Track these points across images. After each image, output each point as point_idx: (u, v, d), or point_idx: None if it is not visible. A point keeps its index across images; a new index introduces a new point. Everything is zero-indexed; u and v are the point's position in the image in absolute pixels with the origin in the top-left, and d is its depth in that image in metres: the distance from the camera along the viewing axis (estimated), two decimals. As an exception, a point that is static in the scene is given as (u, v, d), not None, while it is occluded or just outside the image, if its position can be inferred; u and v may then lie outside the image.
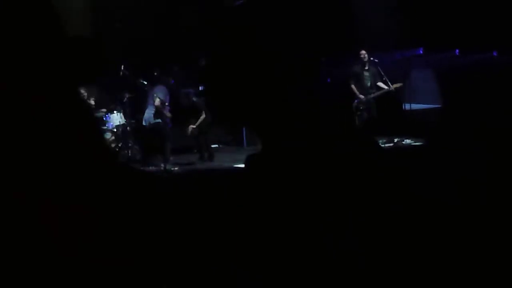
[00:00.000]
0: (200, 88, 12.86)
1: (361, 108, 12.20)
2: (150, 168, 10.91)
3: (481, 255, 4.83)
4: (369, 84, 12.27)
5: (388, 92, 12.19)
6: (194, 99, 11.67)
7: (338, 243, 4.21)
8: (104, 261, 3.61)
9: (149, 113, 11.56)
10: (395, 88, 12.12)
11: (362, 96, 12.19)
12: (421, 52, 14.37)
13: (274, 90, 3.24)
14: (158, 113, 11.34)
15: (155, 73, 12.40)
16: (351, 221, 4.52)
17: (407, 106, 13.47)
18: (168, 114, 11.31)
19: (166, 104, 11.39)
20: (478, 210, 5.65)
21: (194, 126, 11.30)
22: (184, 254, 4.32)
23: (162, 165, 10.81)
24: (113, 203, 3.72)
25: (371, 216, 4.55)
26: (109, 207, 3.71)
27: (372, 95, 12.21)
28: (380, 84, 12.25)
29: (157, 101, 11.28)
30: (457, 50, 14.28)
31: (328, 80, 13.29)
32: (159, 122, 11.36)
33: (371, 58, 12.42)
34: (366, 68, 12.25)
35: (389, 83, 12.12)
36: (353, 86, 12.25)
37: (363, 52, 12.18)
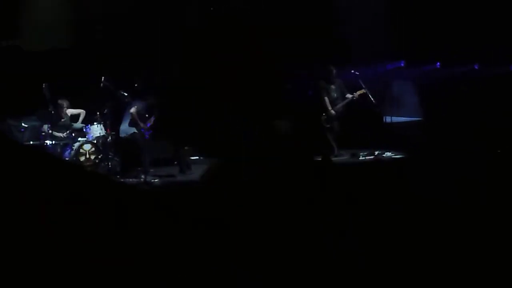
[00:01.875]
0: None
1: (331, 121, 12.25)
2: (130, 180, 10.87)
3: (463, 261, 4.83)
4: (335, 96, 12.34)
5: (352, 102, 12.28)
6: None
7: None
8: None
9: (124, 124, 11.53)
10: (360, 95, 12.21)
11: (332, 112, 12.25)
12: (402, 64, 14.43)
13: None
14: (133, 123, 11.30)
15: (136, 85, 12.36)
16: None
17: (387, 119, 13.50)
18: (142, 125, 11.25)
19: (147, 115, 11.34)
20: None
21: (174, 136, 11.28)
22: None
23: (142, 177, 10.76)
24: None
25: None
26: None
27: (339, 106, 12.26)
28: (348, 95, 12.34)
29: (133, 109, 11.24)
30: (438, 63, 14.36)
31: (310, 93, 13.30)
32: (134, 132, 11.32)
33: (352, 71, 12.52)
34: (332, 81, 12.35)
35: (363, 91, 12.21)
36: (326, 99, 12.29)
37: (331, 67, 12.34)
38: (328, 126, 12.24)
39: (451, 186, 7.25)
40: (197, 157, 12.46)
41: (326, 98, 12.29)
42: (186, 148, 11.66)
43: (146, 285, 4.40)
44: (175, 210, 5.33)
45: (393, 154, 11.86)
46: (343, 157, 11.92)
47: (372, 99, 12.18)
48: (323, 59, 12.95)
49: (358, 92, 12.17)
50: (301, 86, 13.53)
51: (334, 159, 11.41)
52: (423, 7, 13.82)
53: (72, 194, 4.23)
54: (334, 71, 12.33)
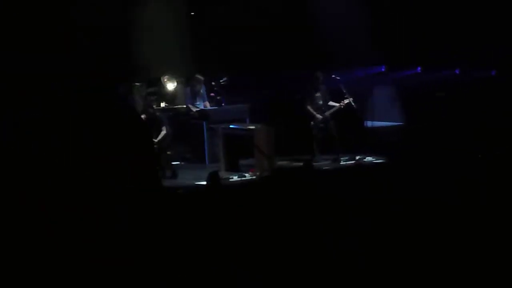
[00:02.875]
0: (163, 104, 12.76)
1: (319, 127, 12.25)
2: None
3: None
4: (321, 102, 12.36)
5: (348, 107, 12.29)
6: (158, 113, 11.57)
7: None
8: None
9: None
10: (346, 104, 12.23)
11: (319, 116, 12.24)
12: (383, 69, 14.46)
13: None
14: None
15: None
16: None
17: (369, 124, 13.52)
18: None
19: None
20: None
21: (156, 140, 11.10)
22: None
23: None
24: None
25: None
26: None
27: (327, 113, 12.25)
28: (331, 102, 12.36)
29: None
30: (419, 68, 14.40)
31: (298, 97, 13.29)
32: None
33: (333, 76, 12.54)
34: (318, 88, 12.37)
35: (349, 100, 12.25)
36: (308, 107, 12.29)
37: (318, 73, 12.36)
38: (315, 132, 12.25)
39: (432, 189, 7.28)
40: (178, 162, 12.37)
41: (309, 107, 12.30)
42: (168, 153, 11.56)
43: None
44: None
45: (374, 159, 11.87)
46: (325, 162, 11.92)
47: (354, 104, 12.21)
48: (304, 64, 12.96)
49: (346, 101, 12.19)
50: (286, 90, 13.51)
51: (315, 164, 11.42)
52: (404, 12, 13.86)
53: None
54: (321, 78, 12.35)
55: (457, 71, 14.13)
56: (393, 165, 10.77)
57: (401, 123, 13.96)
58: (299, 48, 13.57)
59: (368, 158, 11.96)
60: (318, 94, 12.39)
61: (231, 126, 11.83)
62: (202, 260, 5.03)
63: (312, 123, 12.25)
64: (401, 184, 7.56)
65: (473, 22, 13.25)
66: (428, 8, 13.72)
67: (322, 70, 12.63)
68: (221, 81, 12.87)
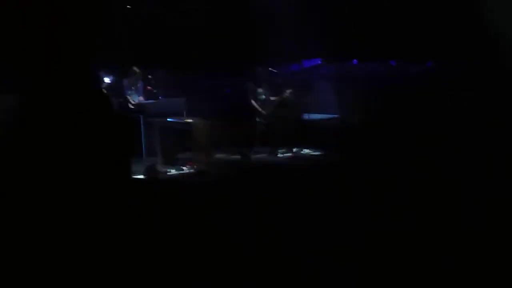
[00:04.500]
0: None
1: (267, 122, 12.34)
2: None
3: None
4: (264, 97, 12.45)
5: (284, 101, 12.39)
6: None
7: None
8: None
9: None
10: (287, 96, 12.35)
11: (263, 111, 12.32)
12: (319, 62, 14.55)
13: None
14: None
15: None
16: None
17: (306, 116, 13.62)
18: None
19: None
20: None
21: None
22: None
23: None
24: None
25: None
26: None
27: (272, 107, 12.34)
28: (271, 97, 12.48)
29: None
30: (355, 60, 14.53)
31: (228, 91, 13.31)
32: None
33: (270, 69, 12.62)
34: (260, 83, 12.46)
35: (285, 92, 12.38)
36: (253, 102, 12.36)
37: (261, 68, 12.46)
38: (264, 126, 12.33)
39: (368, 182, 7.39)
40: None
41: (253, 102, 12.37)
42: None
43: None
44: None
45: (311, 151, 11.97)
46: (262, 154, 11.97)
47: (292, 97, 12.32)
48: (240, 57, 12.99)
49: (286, 93, 12.31)
50: (220, 84, 13.51)
51: (253, 156, 11.49)
52: (340, 4, 13.96)
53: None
54: (263, 73, 12.46)
55: (392, 63, 14.30)
56: (331, 157, 10.91)
57: (337, 116, 14.09)
58: (236, 42, 13.57)
59: (305, 151, 12.05)
60: (260, 89, 12.47)
61: (168, 119, 11.77)
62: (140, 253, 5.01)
63: (257, 117, 12.32)
64: (338, 174, 7.64)
65: (409, 14, 13.41)
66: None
67: (260, 64, 12.71)
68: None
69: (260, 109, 12.34)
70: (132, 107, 12.39)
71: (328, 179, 7.42)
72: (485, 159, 8.13)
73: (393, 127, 11.67)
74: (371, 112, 12.97)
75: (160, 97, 12.83)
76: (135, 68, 12.75)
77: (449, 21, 13.07)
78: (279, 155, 11.93)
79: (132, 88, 12.70)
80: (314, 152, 11.86)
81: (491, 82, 12.05)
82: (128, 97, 12.43)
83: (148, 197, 6.97)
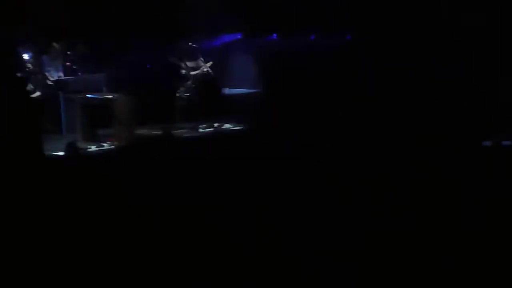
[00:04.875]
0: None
1: (183, 96, 12.44)
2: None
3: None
4: (184, 72, 12.54)
5: (205, 75, 12.54)
6: None
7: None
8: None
9: None
10: (207, 70, 12.50)
11: (184, 86, 12.44)
12: (239, 36, 14.62)
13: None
14: None
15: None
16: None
17: (226, 91, 13.70)
18: None
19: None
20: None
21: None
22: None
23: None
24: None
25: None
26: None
27: (192, 82, 12.46)
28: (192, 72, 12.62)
29: None
30: (275, 35, 14.63)
31: (148, 66, 13.29)
32: None
33: (190, 43, 12.70)
34: (181, 57, 12.56)
35: (207, 68, 12.52)
36: (173, 77, 12.46)
37: (184, 43, 12.58)
38: (180, 101, 12.42)
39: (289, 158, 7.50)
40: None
41: (174, 76, 12.48)
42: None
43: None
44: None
45: (232, 126, 12.04)
46: (183, 130, 11.99)
47: (211, 71, 12.43)
48: (161, 32, 12.96)
49: (204, 69, 12.44)
50: (140, 59, 13.45)
51: (174, 132, 11.48)
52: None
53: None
54: (185, 47, 12.56)
55: (312, 37, 14.43)
56: (250, 132, 11.00)
57: (257, 90, 14.19)
58: (156, 16, 13.50)
59: (226, 126, 12.13)
60: (181, 64, 12.52)
61: (88, 95, 11.67)
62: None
63: (177, 92, 12.36)
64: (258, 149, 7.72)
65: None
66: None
67: (181, 39, 12.73)
68: None
69: (180, 84, 12.38)
70: (51, 83, 12.27)
71: (248, 154, 7.49)
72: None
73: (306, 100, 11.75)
74: (291, 86, 13.08)
75: (79, 73, 12.73)
76: (54, 44, 12.60)
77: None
78: (200, 130, 11.96)
79: (51, 64, 12.57)
80: (235, 127, 11.93)
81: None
82: (47, 73, 12.31)
83: (68, 174, 6.92)
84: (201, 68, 12.51)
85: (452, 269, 4.44)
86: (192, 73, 12.62)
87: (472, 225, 5.08)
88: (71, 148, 9.64)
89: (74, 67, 12.60)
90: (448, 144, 7.15)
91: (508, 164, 6.86)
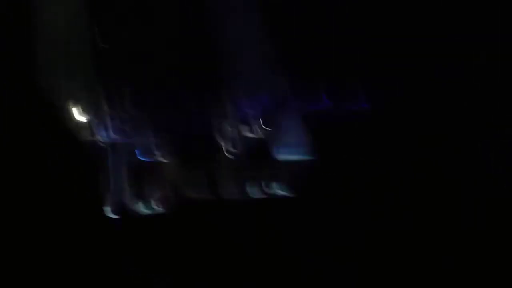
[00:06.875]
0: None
1: (239, 161, 12.43)
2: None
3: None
4: (234, 133, 12.57)
5: (260, 139, 12.55)
6: None
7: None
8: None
9: None
10: (262, 132, 12.48)
11: (234, 150, 12.44)
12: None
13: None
14: None
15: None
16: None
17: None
18: None
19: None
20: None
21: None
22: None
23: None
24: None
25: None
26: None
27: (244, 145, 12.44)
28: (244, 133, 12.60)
29: None
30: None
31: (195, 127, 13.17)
32: None
33: (239, 101, 12.69)
34: (230, 117, 12.57)
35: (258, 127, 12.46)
36: (221, 139, 12.43)
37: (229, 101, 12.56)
38: (236, 166, 12.36)
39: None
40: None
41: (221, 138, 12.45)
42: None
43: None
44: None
45: (282, 190, 11.86)
46: (233, 195, 11.85)
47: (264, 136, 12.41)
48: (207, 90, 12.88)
49: (260, 128, 12.43)
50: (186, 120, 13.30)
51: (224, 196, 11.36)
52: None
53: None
54: (233, 106, 12.55)
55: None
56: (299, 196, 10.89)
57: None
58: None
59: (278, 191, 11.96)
60: (231, 124, 12.46)
61: (140, 158, 11.62)
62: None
63: (226, 155, 12.31)
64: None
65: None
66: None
67: (230, 97, 12.66)
68: None
69: (229, 147, 12.23)
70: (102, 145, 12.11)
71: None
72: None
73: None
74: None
75: (129, 135, 12.59)
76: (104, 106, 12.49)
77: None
78: (252, 196, 11.69)
79: (102, 126, 12.45)
80: (286, 191, 11.72)
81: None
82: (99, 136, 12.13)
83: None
84: (255, 132, 12.28)
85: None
86: (243, 134, 12.41)
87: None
88: (119, 209, 9.55)
89: (127, 129, 12.55)
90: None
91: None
